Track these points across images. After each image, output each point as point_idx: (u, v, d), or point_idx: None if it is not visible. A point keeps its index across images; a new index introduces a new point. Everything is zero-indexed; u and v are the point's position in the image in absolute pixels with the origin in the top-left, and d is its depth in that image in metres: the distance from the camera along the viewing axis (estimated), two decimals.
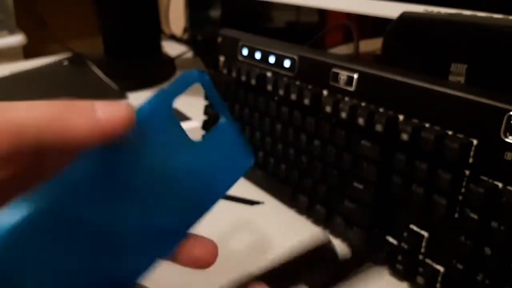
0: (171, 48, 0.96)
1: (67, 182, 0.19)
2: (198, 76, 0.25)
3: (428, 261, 0.34)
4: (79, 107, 0.20)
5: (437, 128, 0.33)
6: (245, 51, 0.51)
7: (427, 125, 0.34)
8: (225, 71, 0.54)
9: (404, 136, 0.34)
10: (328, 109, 0.40)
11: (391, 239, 0.37)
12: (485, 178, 0.30)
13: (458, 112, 0.32)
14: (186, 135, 0.24)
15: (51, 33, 0.99)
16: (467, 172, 0.31)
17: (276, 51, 0.47)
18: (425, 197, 0.33)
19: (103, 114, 0.20)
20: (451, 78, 0.40)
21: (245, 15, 0.90)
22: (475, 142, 0.31)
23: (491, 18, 0.39)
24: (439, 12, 0.43)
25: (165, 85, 0.81)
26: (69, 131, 0.19)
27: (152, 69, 0.87)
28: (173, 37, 1.03)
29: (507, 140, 0.29)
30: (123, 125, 0.20)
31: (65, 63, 0.82)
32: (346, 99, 0.40)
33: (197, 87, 0.25)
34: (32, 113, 0.19)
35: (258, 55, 0.49)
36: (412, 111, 0.35)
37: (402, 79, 0.36)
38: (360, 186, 0.38)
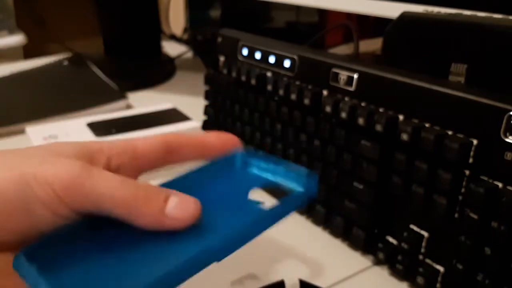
0: (171, 48, 0.96)
1: None
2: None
3: (428, 261, 0.34)
4: (153, 198, 0.22)
5: (437, 128, 0.33)
6: (245, 51, 0.51)
7: (427, 125, 0.34)
8: (225, 71, 0.54)
9: (404, 136, 0.34)
10: (328, 109, 0.40)
11: (391, 239, 0.37)
12: (485, 178, 0.30)
13: (458, 112, 0.32)
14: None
15: (51, 33, 0.99)
16: (467, 172, 0.31)
17: (276, 51, 0.47)
18: (425, 197, 0.33)
19: (172, 210, 0.22)
20: (451, 78, 0.40)
21: (245, 15, 0.90)
22: (475, 142, 0.31)
23: (491, 18, 0.39)
24: (439, 12, 0.43)
25: (166, 86, 0.80)
26: (136, 217, 0.22)
27: (152, 69, 0.87)
28: (173, 37, 1.03)
29: (507, 140, 0.29)
30: (186, 223, 0.22)
31: (65, 63, 0.82)
32: (346, 99, 0.40)
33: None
34: (111, 190, 0.21)
35: (258, 55, 0.49)
36: (412, 111, 0.35)
37: (402, 79, 0.36)
38: (360, 186, 0.38)
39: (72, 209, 0.22)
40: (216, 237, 0.23)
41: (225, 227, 0.23)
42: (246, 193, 0.26)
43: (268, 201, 0.25)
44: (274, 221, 0.24)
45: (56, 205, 0.21)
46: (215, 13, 0.92)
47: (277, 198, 0.25)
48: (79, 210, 0.22)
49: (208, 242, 0.22)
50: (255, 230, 0.24)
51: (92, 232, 0.23)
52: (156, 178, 0.25)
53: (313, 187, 0.26)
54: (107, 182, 0.22)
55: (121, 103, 0.68)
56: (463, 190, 0.32)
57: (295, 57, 0.45)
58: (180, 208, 0.22)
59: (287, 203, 0.25)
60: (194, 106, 0.61)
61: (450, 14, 0.42)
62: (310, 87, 0.43)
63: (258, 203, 0.25)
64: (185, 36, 1.02)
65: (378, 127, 0.36)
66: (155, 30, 0.93)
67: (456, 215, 0.32)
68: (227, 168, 0.27)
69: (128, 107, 0.69)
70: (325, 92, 0.42)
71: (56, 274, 0.21)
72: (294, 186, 0.26)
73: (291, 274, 0.37)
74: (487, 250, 0.30)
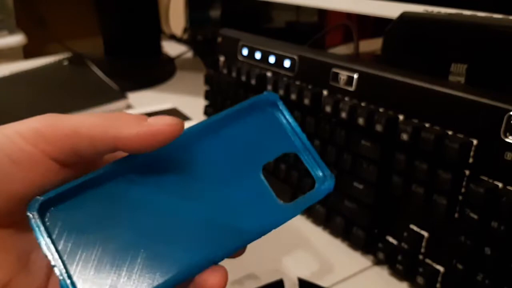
0: (171, 48, 0.96)
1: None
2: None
3: (428, 261, 0.34)
4: (130, 116, 0.22)
5: (437, 128, 0.33)
6: (245, 51, 0.51)
7: (427, 125, 0.34)
8: (225, 71, 0.54)
9: (404, 136, 0.34)
10: (328, 109, 0.40)
11: (391, 239, 0.37)
12: (485, 178, 0.30)
13: (458, 112, 0.32)
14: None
15: (51, 33, 0.99)
16: (467, 172, 0.31)
17: (276, 51, 0.47)
18: (425, 197, 0.33)
19: (151, 121, 0.22)
20: (451, 78, 0.40)
21: (245, 15, 0.90)
22: (475, 142, 0.31)
23: (491, 18, 0.39)
24: (439, 12, 0.43)
25: (166, 86, 0.80)
26: (118, 132, 0.21)
27: (152, 69, 0.87)
28: (173, 37, 1.03)
29: (507, 140, 0.29)
30: (168, 132, 0.22)
31: (65, 63, 0.82)
32: (346, 99, 0.40)
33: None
34: (86, 120, 0.21)
35: (258, 55, 0.49)
36: (412, 111, 0.35)
37: (402, 79, 0.36)
38: (360, 186, 0.38)
39: (51, 155, 0.21)
40: (236, 238, 0.23)
41: (246, 225, 0.23)
42: (262, 163, 0.25)
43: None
44: (293, 216, 0.25)
45: (32, 158, 0.21)
46: (215, 13, 0.92)
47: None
48: (58, 154, 0.21)
49: (228, 245, 0.23)
50: (275, 226, 0.24)
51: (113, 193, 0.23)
52: None
53: (331, 186, 0.25)
54: (77, 116, 0.22)
55: (121, 103, 0.68)
56: (463, 190, 0.32)
57: (295, 57, 0.45)
58: (160, 118, 0.22)
59: (307, 200, 0.25)
60: (194, 106, 0.61)
61: (450, 14, 0.42)
62: (310, 87, 0.43)
63: (276, 198, 0.25)
64: (185, 36, 1.02)
65: (378, 127, 0.36)
66: (155, 30, 0.93)
67: (456, 215, 0.32)
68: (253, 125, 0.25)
69: (128, 107, 0.69)
70: (325, 92, 0.42)
71: (62, 233, 0.22)
72: (315, 173, 0.25)
73: (291, 274, 0.37)
74: (487, 250, 0.30)
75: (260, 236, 0.23)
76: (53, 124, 0.21)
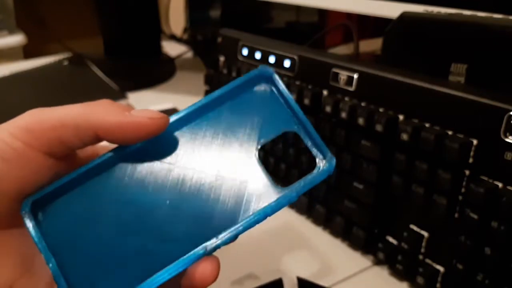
0: (171, 48, 0.96)
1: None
2: None
3: (428, 261, 0.34)
4: (113, 104, 0.22)
5: (437, 128, 0.33)
6: (245, 51, 0.51)
7: (427, 125, 0.34)
8: (225, 71, 0.54)
9: (404, 136, 0.34)
10: (328, 109, 0.40)
11: (391, 239, 0.37)
12: (485, 178, 0.30)
13: (458, 112, 0.32)
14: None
15: (51, 33, 0.99)
16: (467, 172, 0.31)
17: (276, 51, 0.47)
18: (425, 197, 0.33)
19: (134, 113, 0.21)
20: (451, 78, 0.40)
21: (245, 15, 0.90)
22: (475, 142, 0.31)
23: (491, 18, 0.39)
24: (439, 12, 0.43)
25: (166, 86, 0.80)
26: (99, 119, 0.21)
27: (152, 69, 0.87)
28: (173, 37, 1.03)
29: (507, 140, 0.29)
30: (150, 125, 0.21)
31: (65, 63, 0.82)
32: (346, 99, 0.40)
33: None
34: (70, 110, 0.21)
35: (258, 55, 0.49)
36: (412, 111, 0.35)
37: (402, 79, 0.36)
38: (360, 186, 0.38)
39: (41, 149, 0.21)
40: (232, 227, 0.22)
41: (242, 212, 0.23)
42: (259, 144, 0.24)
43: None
44: (291, 201, 0.23)
45: (24, 155, 0.21)
46: (215, 13, 0.92)
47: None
48: (48, 148, 0.21)
49: (229, 231, 0.22)
50: (273, 212, 0.23)
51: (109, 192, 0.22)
52: None
53: (332, 167, 0.23)
54: (62, 107, 0.21)
55: (121, 103, 0.68)
56: (463, 190, 0.32)
57: (295, 57, 0.45)
58: (144, 110, 0.22)
59: (306, 183, 0.23)
60: None
61: (450, 14, 0.42)
62: (310, 87, 0.43)
63: (273, 182, 0.24)
64: (185, 36, 1.01)
65: (378, 127, 0.36)
66: (155, 30, 0.93)
67: (456, 215, 0.32)
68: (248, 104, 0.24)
69: None
70: (325, 92, 0.42)
71: (56, 231, 0.22)
72: (315, 154, 0.23)
73: (291, 274, 0.37)
74: (487, 250, 0.30)
75: (257, 223, 0.22)
76: (38, 118, 0.21)
